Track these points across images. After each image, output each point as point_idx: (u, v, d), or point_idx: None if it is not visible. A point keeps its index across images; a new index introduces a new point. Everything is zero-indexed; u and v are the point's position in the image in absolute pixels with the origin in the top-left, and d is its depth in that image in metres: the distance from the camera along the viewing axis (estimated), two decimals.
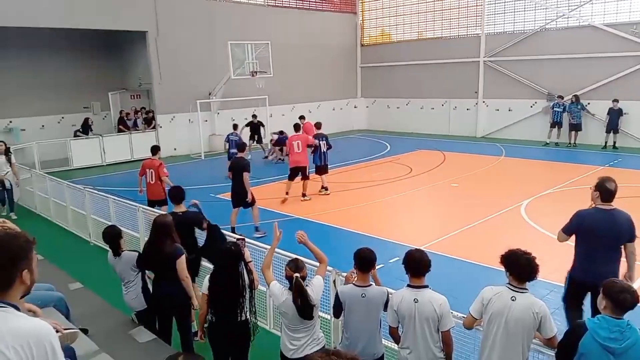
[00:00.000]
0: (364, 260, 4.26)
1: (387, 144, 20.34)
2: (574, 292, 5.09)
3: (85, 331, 4.65)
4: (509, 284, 3.81)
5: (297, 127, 13.05)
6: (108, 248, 5.60)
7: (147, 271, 5.57)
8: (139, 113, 20.99)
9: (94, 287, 6.42)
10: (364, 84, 27.12)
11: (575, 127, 18.81)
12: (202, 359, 1.82)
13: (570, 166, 15.55)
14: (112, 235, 5.51)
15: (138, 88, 22.05)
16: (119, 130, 19.76)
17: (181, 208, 6.37)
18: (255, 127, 18.58)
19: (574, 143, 18.85)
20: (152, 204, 9.36)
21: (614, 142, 18.11)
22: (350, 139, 22.08)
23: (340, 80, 26.16)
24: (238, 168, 9.56)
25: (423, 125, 23.83)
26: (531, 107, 20.62)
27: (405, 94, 24.81)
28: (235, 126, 17.07)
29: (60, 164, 17.37)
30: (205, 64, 20.09)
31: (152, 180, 9.66)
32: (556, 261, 8.08)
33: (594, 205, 4.92)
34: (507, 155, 15.36)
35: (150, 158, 9.90)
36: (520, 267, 3.73)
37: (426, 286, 4.04)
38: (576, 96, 18.87)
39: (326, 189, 12.84)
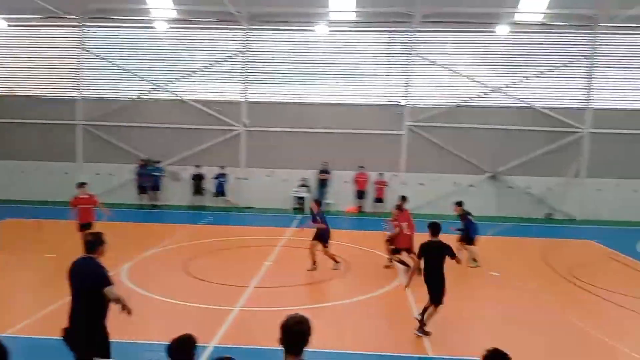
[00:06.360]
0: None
1: None
2: None
3: None
4: None
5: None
6: None
7: None
8: None
9: None
10: None
11: (153, 188, 20.74)
12: None
13: (168, 227, 16.83)
14: None
15: None
16: None
17: None
18: None
19: (155, 204, 20.73)
20: None
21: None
22: None
23: None
24: (441, 251, 7.63)
25: None
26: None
27: None
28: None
29: None
30: None
31: None
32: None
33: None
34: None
35: None
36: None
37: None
38: (149, 160, 20.67)
39: None
